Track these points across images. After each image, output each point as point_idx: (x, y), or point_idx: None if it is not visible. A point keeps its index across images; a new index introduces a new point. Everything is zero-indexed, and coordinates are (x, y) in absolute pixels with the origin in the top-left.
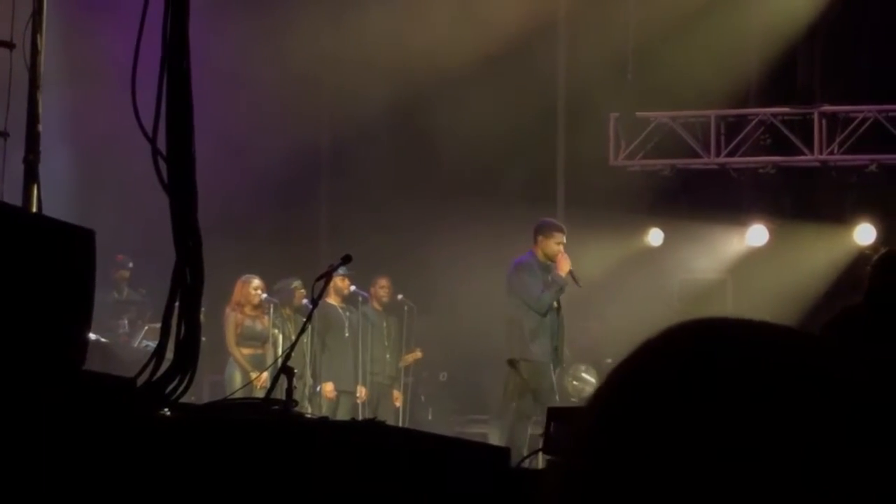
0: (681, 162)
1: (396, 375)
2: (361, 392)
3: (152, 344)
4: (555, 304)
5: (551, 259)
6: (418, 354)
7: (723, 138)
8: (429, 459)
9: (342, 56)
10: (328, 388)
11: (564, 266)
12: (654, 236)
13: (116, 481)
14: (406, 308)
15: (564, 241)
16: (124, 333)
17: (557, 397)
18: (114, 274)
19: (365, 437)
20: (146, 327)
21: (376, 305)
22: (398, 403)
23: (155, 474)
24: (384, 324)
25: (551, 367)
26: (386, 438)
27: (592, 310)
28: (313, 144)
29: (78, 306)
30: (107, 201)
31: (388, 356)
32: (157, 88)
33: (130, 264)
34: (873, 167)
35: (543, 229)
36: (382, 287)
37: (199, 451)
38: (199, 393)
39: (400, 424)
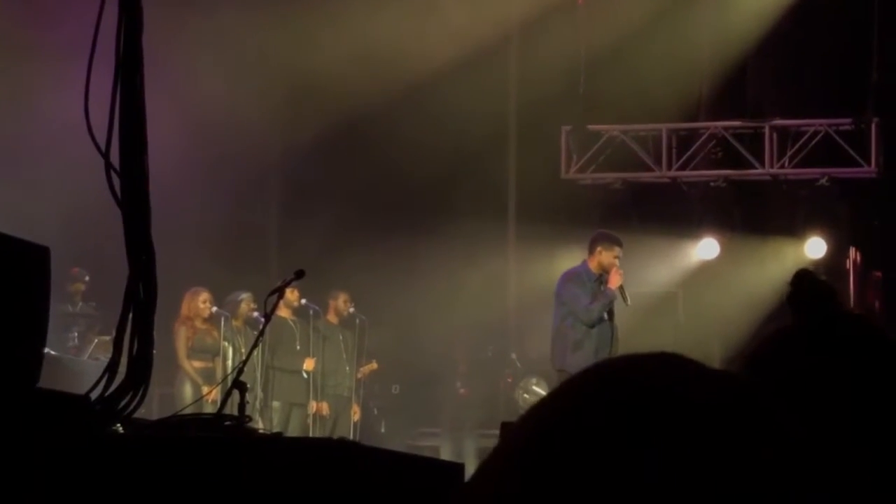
0: (632, 175)
1: (355, 388)
2: (314, 406)
3: (102, 358)
4: (605, 315)
5: (606, 271)
6: (374, 366)
7: (674, 152)
8: (384, 477)
9: (291, 67)
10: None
11: (616, 280)
12: (616, 252)
13: (70, 499)
14: (358, 321)
15: (622, 255)
16: (73, 346)
17: None
18: (69, 287)
19: (320, 454)
20: (96, 340)
21: (332, 318)
22: (356, 417)
23: (108, 492)
24: (340, 337)
25: None
26: (341, 455)
27: (545, 322)
28: (263, 157)
29: (32, 324)
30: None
31: (347, 369)
32: (111, 103)
33: (87, 277)
34: (824, 181)
35: (603, 240)
36: (344, 301)
37: (152, 468)
38: (150, 406)
39: (355, 438)
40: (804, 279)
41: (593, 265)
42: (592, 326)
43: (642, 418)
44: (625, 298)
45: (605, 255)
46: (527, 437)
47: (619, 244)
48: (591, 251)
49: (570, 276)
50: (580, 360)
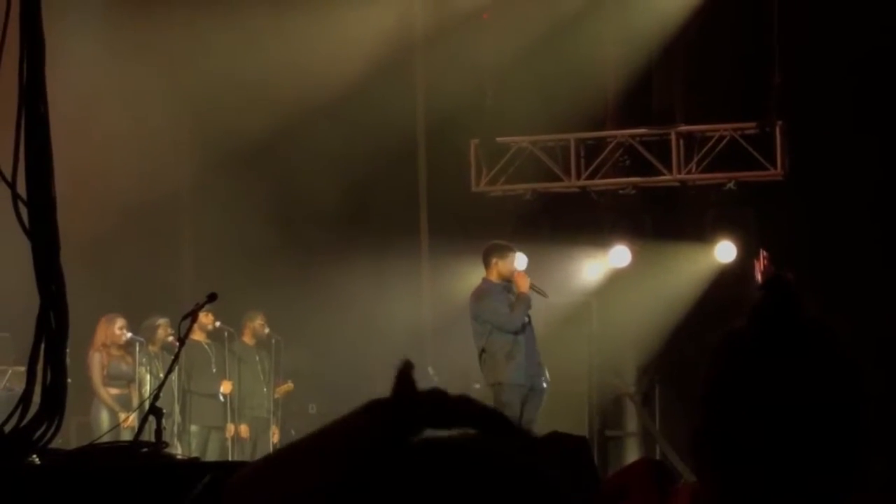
0: (542, 186)
1: (273, 409)
2: (231, 429)
3: (16, 389)
4: (526, 318)
5: (508, 279)
6: (290, 386)
7: (582, 161)
8: None
9: (198, 85)
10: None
11: (525, 283)
12: (515, 259)
13: None
14: (274, 341)
15: (518, 258)
16: None
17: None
18: None
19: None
20: (10, 371)
21: (248, 340)
22: (275, 438)
23: None
24: (257, 358)
25: (523, 392)
26: None
27: (461, 335)
28: (173, 177)
29: None
30: None
31: (264, 390)
32: (15, 133)
33: None
34: (731, 185)
35: (498, 252)
36: (260, 323)
37: (70, 499)
38: (67, 436)
39: None
40: (777, 285)
41: (495, 276)
42: (517, 333)
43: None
44: (541, 293)
45: (503, 265)
46: None
47: (513, 250)
48: (488, 265)
49: (481, 294)
50: (514, 370)
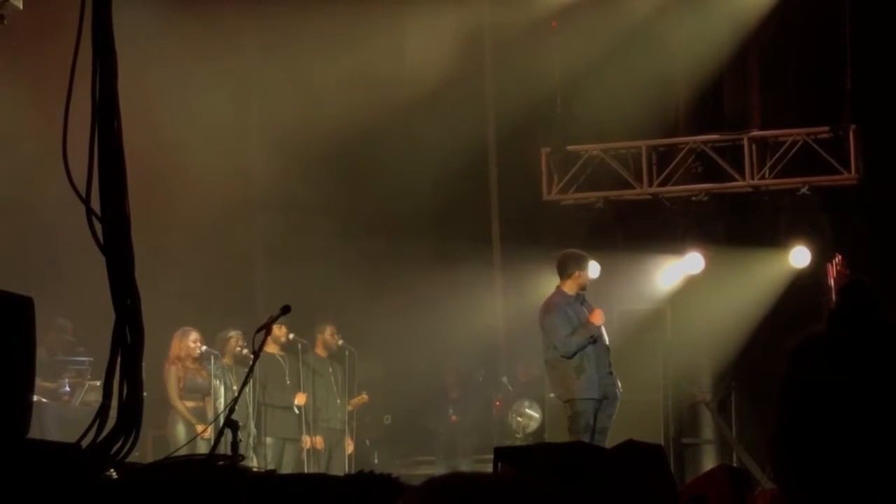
0: (614, 193)
1: (347, 420)
2: (307, 441)
3: (93, 403)
4: (582, 346)
5: (584, 289)
6: (365, 398)
7: (654, 168)
8: None
9: (273, 100)
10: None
11: (600, 318)
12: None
13: None
14: (347, 353)
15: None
16: (65, 393)
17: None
18: (55, 336)
19: (311, 489)
20: (87, 385)
21: (320, 352)
22: (350, 449)
23: None
24: (330, 369)
25: (594, 404)
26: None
27: (534, 344)
28: (247, 192)
29: (19, 374)
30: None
31: (338, 401)
32: (89, 149)
33: (70, 328)
34: (805, 190)
35: (579, 262)
36: (331, 333)
37: None
38: (144, 449)
39: (350, 470)
40: (854, 289)
41: (571, 288)
42: (569, 357)
43: None
44: (602, 338)
45: (583, 275)
46: None
47: (589, 259)
48: (567, 275)
49: (550, 307)
50: (586, 384)
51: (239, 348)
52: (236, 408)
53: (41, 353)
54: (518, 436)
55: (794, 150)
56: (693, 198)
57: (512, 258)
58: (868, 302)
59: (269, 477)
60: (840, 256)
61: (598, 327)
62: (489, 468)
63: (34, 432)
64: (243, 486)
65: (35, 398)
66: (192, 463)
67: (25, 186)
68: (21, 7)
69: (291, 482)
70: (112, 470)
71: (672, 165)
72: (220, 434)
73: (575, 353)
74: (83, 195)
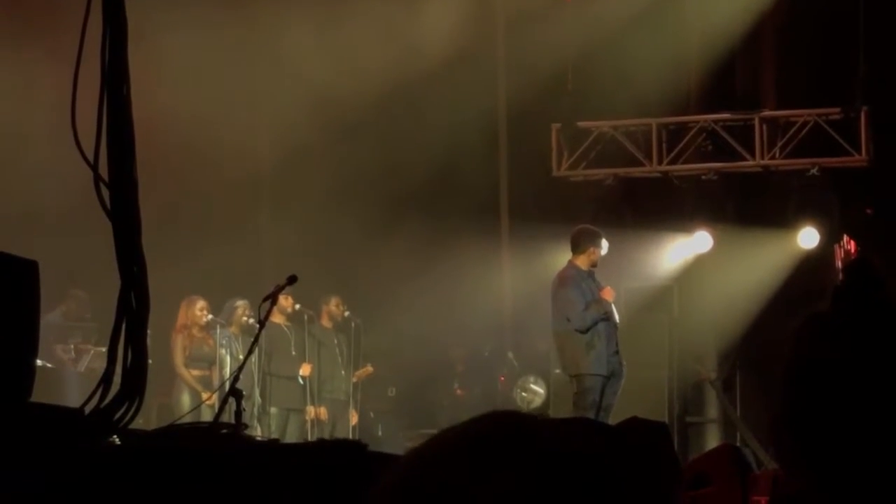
0: (623, 171)
1: (352, 392)
2: (311, 412)
3: (98, 369)
4: (595, 321)
5: (595, 266)
6: (370, 370)
7: (664, 146)
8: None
9: (281, 70)
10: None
11: (611, 295)
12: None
13: None
14: (353, 325)
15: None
16: (70, 358)
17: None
18: (65, 302)
19: (316, 459)
20: (92, 351)
21: (326, 323)
22: (354, 421)
23: None
24: (335, 341)
25: (602, 381)
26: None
27: (540, 320)
28: (253, 161)
29: (23, 339)
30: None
31: (342, 373)
32: (98, 115)
33: (81, 294)
34: (815, 171)
35: (594, 238)
36: (336, 304)
37: (148, 479)
38: (148, 417)
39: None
40: (859, 268)
41: (584, 263)
42: (584, 332)
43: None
44: (613, 316)
45: (596, 252)
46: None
47: (603, 237)
48: (583, 250)
49: (566, 280)
50: (595, 360)
51: (245, 318)
52: (241, 377)
53: (58, 319)
54: (522, 411)
55: (804, 131)
56: (703, 176)
57: (520, 234)
58: (873, 281)
59: (273, 446)
60: (848, 238)
61: (610, 304)
62: None
63: (39, 395)
64: (245, 455)
65: (40, 362)
66: (194, 431)
67: None
68: None
69: (294, 451)
70: (115, 436)
71: (682, 144)
72: (223, 403)
73: (589, 328)
74: (90, 160)
